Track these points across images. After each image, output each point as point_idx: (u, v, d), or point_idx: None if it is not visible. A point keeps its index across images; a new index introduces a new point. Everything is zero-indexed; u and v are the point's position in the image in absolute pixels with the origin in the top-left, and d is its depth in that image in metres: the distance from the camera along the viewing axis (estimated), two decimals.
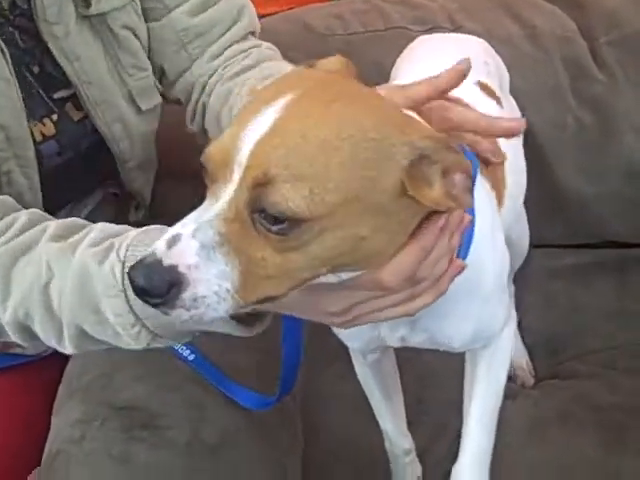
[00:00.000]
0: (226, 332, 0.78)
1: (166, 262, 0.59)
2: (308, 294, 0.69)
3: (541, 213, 1.41)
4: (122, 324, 0.75)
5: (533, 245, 1.49)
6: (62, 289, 0.77)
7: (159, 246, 0.60)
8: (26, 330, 0.82)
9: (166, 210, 1.19)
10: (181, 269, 0.59)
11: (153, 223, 0.79)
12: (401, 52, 1.24)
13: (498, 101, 1.06)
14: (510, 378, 1.34)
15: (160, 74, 1.11)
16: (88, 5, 0.98)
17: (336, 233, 0.61)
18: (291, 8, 1.77)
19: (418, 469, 1.19)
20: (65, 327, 0.79)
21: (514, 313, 0.99)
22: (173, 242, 0.60)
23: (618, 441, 1.19)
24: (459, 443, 0.96)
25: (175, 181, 1.28)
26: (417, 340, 0.88)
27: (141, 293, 0.61)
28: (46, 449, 0.99)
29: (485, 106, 0.98)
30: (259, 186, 0.59)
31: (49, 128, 1.00)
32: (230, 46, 1.09)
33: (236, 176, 0.60)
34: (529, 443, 1.22)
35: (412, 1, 1.60)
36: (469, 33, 1.49)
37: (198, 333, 0.81)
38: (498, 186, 0.93)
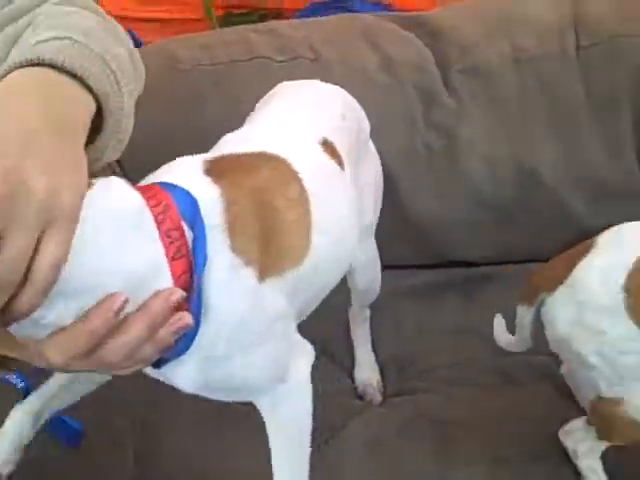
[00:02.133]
0: None
1: None
2: None
3: (390, 235, 1.45)
4: None
5: (383, 266, 1.56)
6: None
7: None
8: None
9: None
10: None
11: None
12: (262, 83, 1.25)
13: (340, 162, 1.01)
14: (360, 396, 1.41)
15: None
16: None
17: None
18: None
19: None
20: None
21: (305, 349, 0.96)
22: None
23: (447, 453, 1.23)
24: None
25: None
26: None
27: None
28: None
29: (324, 167, 0.97)
30: None
31: None
32: None
33: None
34: (369, 457, 1.25)
35: (278, 31, 1.65)
36: (327, 62, 1.57)
37: None
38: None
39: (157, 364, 0.74)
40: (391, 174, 1.50)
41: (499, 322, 1.26)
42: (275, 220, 0.82)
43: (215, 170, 0.80)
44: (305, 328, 1.48)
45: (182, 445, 1.25)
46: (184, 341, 0.71)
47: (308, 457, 0.94)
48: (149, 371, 0.80)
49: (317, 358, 1.41)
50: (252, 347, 0.79)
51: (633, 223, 1.12)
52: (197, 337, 0.72)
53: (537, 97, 1.53)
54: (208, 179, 0.78)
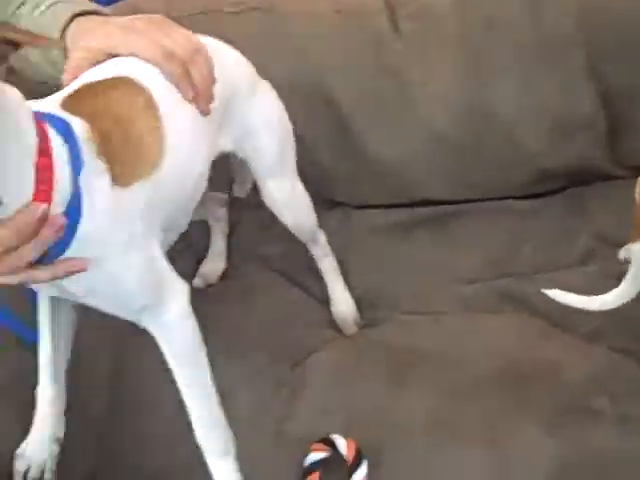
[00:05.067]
0: None
1: None
2: None
3: (353, 178, 1.53)
4: None
5: (354, 206, 1.65)
6: None
7: None
8: None
9: None
10: None
11: None
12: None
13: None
14: (337, 329, 1.52)
15: None
16: None
17: None
18: None
19: (60, 430, 1.14)
20: None
21: (180, 286, 1.01)
22: None
23: (401, 380, 1.31)
24: None
25: None
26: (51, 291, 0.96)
27: None
28: None
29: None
30: None
31: None
32: None
33: None
34: (325, 385, 1.33)
35: None
36: (282, 12, 1.60)
37: None
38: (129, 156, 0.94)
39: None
40: (346, 118, 1.57)
41: (557, 293, 1.25)
42: (128, 131, 0.95)
43: (72, 100, 0.94)
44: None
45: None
46: (63, 242, 0.83)
47: (209, 379, 1.04)
48: (44, 287, 0.93)
49: (295, 295, 1.55)
50: (120, 253, 0.90)
51: None
52: (75, 236, 0.84)
53: (486, 36, 1.56)
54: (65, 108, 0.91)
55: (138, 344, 1.33)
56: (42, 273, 0.83)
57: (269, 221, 1.40)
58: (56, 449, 1.13)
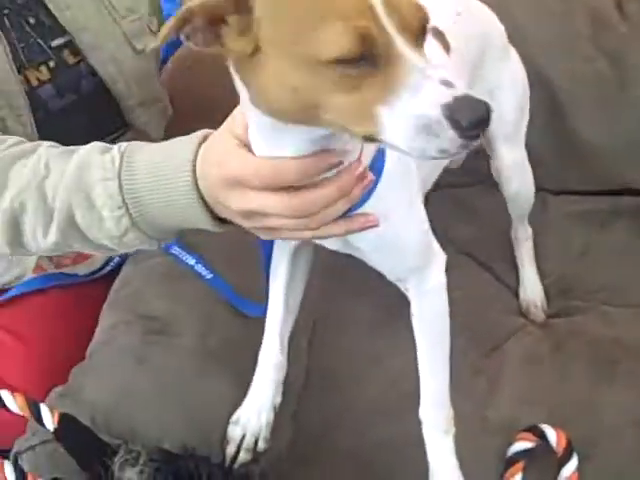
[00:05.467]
0: (201, 227, 0.87)
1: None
2: (229, 187, 0.78)
3: (559, 161, 1.48)
4: (110, 206, 0.84)
5: (552, 192, 1.59)
6: (57, 183, 0.87)
7: (462, 86, 0.64)
8: (16, 227, 0.91)
9: None
10: None
11: None
12: None
13: (447, 49, 1.07)
14: (523, 315, 1.48)
15: None
16: None
17: None
18: None
19: (278, 398, 1.15)
20: (56, 212, 0.88)
21: (442, 256, 1.03)
22: (450, 84, 0.64)
23: (607, 375, 1.27)
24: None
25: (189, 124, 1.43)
26: (335, 245, 0.95)
27: (479, 124, 0.63)
28: (87, 352, 1.17)
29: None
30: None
31: (44, 74, 1.09)
32: None
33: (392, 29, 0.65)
34: (525, 372, 1.31)
35: None
36: None
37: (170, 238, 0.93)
38: None
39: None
40: (559, 99, 1.53)
41: None
42: None
43: None
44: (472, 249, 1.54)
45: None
46: (363, 198, 0.83)
47: (448, 355, 1.04)
48: (328, 242, 0.94)
49: (484, 279, 1.51)
50: (405, 208, 0.93)
51: None
52: (374, 193, 0.85)
53: None
54: None
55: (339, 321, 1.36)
56: (339, 227, 0.82)
57: (458, 202, 1.37)
58: (272, 417, 1.13)
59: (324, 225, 0.80)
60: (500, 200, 1.40)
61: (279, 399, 1.15)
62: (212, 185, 0.80)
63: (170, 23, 0.67)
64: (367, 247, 0.94)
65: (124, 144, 0.87)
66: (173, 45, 1.51)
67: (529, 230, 1.51)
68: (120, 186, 0.84)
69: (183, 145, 0.84)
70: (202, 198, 0.82)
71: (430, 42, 1.01)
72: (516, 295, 1.51)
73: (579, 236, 1.56)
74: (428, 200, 1.20)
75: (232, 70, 0.73)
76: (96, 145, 0.89)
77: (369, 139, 0.68)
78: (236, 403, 1.14)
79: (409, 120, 0.64)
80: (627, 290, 1.44)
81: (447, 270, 1.42)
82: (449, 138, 0.63)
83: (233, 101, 0.77)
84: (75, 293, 1.35)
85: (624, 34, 1.53)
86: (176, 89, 1.44)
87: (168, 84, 1.40)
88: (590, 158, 1.58)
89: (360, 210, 0.84)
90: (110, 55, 1.14)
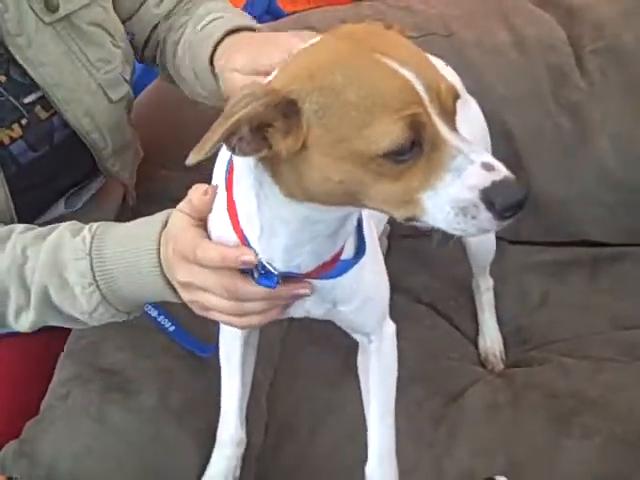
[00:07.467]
0: (167, 299, 0.91)
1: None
2: (179, 259, 0.83)
3: None
4: (82, 284, 0.91)
5: (510, 241, 1.60)
6: (35, 266, 0.93)
7: (503, 169, 0.66)
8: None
9: (152, 193, 1.35)
10: None
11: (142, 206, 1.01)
12: None
13: None
14: (481, 364, 1.47)
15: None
16: (54, 10, 1.07)
17: None
18: (319, 6, 1.90)
19: (237, 471, 1.14)
20: (33, 294, 0.93)
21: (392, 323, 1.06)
22: (491, 167, 0.66)
23: (565, 427, 1.26)
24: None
25: (161, 166, 1.42)
26: (319, 313, 0.95)
27: (513, 207, 0.66)
28: (41, 404, 1.12)
29: None
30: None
31: (16, 131, 1.08)
32: None
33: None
34: (485, 423, 1.30)
35: (414, 7, 1.70)
36: (461, 40, 1.60)
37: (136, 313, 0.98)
38: None
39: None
40: (520, 151, 1.54)
41: None
42: None
43: None
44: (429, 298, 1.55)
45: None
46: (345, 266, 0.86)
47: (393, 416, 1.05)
48: (315, 312, 0.95)
49: (442, 328, 1.51)
50: (378, 262, 0.96)
51: None
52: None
53: None
54: None
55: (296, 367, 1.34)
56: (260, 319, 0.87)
57: (415, 252, 1.36)
58: None
59: (249, 315, 0.85)
60: (458, 249, 1.40)
61: (238, 472, 1.13)
62: (167, 257, 0.86)
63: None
64: (350, 308, 0.94)
65: (95, 225, 0.94)
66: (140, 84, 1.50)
67: (490, 281, 1.51)
68: (91, 265, 0.91)
69: (148, 227, 0.90)
70: (165, 275, 0.88)
71: None
72: (474, 344, 1.51)
73: (537, 286, 1.57)
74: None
75: (256, 166, 0.73)
76: (68, 226, 0.96)
77: (410, 220, 0.70)
78: (198, 464, 1.12)
79: (449, 203, 0.66)
80: (585, 342, 1.44)
81: (404, 320, 1.43)
82: (486, 219, 0.66)
83: (201, 124, 0.75)
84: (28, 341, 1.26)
85: (584, 90, 1.56)
86: (145, 124, 1.44)
87: (137, 122, 1.39)
88: (548, 209, 1.60)
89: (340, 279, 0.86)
90: (85, 108, 1.14)
